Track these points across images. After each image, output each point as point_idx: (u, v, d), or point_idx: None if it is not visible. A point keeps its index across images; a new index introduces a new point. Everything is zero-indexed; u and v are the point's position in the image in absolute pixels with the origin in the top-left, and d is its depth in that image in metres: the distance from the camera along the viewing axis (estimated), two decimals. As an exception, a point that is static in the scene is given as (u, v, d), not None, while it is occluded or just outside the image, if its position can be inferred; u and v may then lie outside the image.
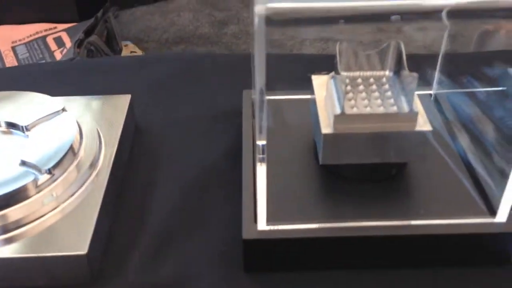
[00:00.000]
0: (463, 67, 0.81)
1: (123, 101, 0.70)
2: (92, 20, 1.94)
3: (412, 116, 0.58)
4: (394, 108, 0.59)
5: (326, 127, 0.59)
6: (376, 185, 0.62)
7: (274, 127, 0.68)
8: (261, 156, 0.50)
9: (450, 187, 0.61)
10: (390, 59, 0.62)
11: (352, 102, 0.59)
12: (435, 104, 0.73)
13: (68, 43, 1.91)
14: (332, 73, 0.62)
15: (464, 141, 0.66)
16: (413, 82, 0.58)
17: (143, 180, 0.66)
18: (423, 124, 0.59)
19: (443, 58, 0.71)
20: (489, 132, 0.70)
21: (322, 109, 0.61)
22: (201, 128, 0.74)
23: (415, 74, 0.57)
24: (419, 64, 0.74)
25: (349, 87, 0.61)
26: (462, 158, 0.64)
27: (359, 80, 0.62)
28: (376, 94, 0.60)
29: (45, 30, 1.97)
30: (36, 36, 1.95)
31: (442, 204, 0.59)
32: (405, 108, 0.59)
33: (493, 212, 0.55)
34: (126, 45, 2.03)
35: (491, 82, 0.81)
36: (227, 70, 0.83)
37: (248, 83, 0.83)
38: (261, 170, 0.50)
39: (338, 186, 0.61)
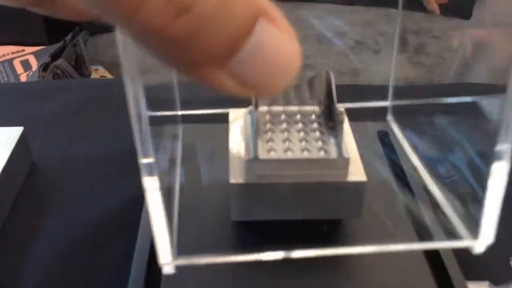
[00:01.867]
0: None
1: (13, 134, 0.57)
2: (60, 44, 1.81)
3: (342, 162, 0.45)
4: (321, 153, 0.45)
5: (236, 175, 0.45)
6: (305, 244, 0.48)
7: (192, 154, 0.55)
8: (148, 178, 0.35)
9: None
10: (320, 92, 0.49)
11: (270, 144, 0.46)
12: (383, 137, 0.60)
13: (35, 66, 1.79)
14: (250, 107, 0.49)
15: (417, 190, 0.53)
16: (342, 120, 0.44)
17: (24, 230, 0.52)
18: (355, 173, 0.45)
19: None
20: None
21: (235, 152, 0.48)
22: (111, 167, 0.60)
23: (341, 110, 0.44)
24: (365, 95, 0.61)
25: (268, 125, 0.48)
26: (411, 212, 0.51)
27: (282, 117, 0.49)
28: (301, 134, 0.47)
29: (12, 53, 1.84)
30: (3, 58, 1.82)
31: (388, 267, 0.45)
32: (334, 153, 0.45)
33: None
34: (96, 70, 1.90)
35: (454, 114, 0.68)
36: None
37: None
38: (153, 199, 0.36)
39: (255, 244, 0.48)
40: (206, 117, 0.60)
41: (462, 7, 2.27)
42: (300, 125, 0.48)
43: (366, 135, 0.58)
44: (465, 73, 1.08)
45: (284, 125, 0.48)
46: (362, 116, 0.68)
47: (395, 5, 0.63)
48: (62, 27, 1.85)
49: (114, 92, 0.71)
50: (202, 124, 0.59)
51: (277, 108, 0.50)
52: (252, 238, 0.48)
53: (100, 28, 2.17)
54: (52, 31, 1.82)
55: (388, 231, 0.48)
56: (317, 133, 0.47)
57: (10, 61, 1.79)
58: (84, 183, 0.57)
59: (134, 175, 0.59)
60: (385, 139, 0.60)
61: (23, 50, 1.83)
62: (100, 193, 0.56)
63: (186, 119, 0.60)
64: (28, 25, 1.84)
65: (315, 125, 0.48)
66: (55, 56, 1.73)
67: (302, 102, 0.50)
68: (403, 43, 0.65)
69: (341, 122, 0.44)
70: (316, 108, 0.50)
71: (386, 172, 0.54)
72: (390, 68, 0.65)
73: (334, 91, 0.47)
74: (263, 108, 0.49)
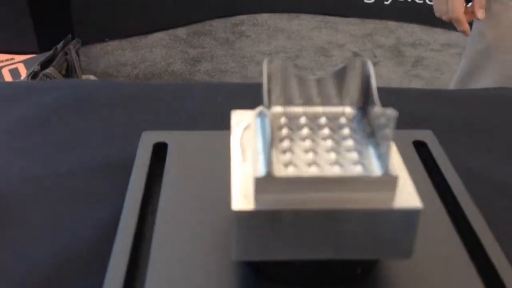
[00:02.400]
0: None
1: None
2: (51, 52, 1.67)
3: (388, 182, 0.31)
4: (358, 169, 0.31)
5: (242, 199, 0.31)
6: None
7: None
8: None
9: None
10: (352, 88, 0.35)
11: (288, 156, 0.32)
12: (420, 149, 0.46)
13: (24, 75, 1.65)
14: (261, 107, 0.35)
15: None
16: (389, 125, 0.30)
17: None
18: (407, 197, 0.31)
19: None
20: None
21: (239, 168, 0.34)
22: (78, 186, 0.46)
23: (392, 112, 0.30)
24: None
25: (285, 131, 0.34)
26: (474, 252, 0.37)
27: (302, 120, 0.35)
28: (329, 143, 0.33)
29: (1, 61, 1.70)
30: (-8, 67, 1.68)
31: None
32: (376, 169, 0.31)
33: None
34: (88, 78, 1.76)
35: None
36: (129, 103, 0.55)
37: (155, 121, 0.55)
38: None
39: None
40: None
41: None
42: (327, 131, 0.34)
43: (400, 146, 0.44)
44: (469, 81, 0.96)
45: (305, 131, 0.34)
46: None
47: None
48: (53, 35, 1.71)
49: (93, 97, 0.57)
50: (195, 131, 0.45)
51: (295, 109, 0.36)
52: (260, 285, 0.34)
53: (93, 38, 2.04)
54: (43, 39, 1.68)
55: (444, 279, 0.34)
56: (351, 142, 0.33)
57: (-1, 69, 1.65)
58: (51, 207, 0.43)
59: (109, 195, 0.45)
60: (424, 151, 0.46)
61: (12, 59, 1.70)
62: (68, 221, 0.42)
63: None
64: (18, 33, 1.70)
65: (346, 130, 0.34)
66: (45, 65, 1.59)
67: (327, 101, 0.36)
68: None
69: (387, 127, 0.31)
70: (346, 109, 0.36)
71: (432, 195, 0.40)
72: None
73: (374, 85, 0.33)
74: (276, 109, 0.35)
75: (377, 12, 2.33)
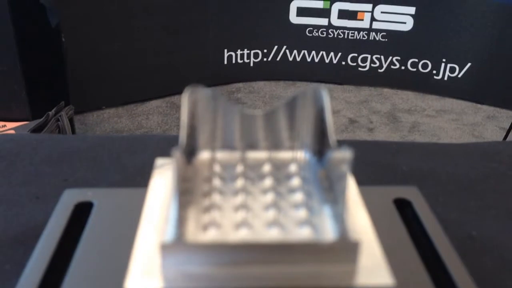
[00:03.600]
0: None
1: None
2: (42, 119, 1.62)
3: (346, 250, 0.21)
4: (305, 232, 0.22)
5: (140, 276, 0.21)
6: None
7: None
8: None
9: None
10: (304, 126, 0.27)
11: (212, 215, 0.23)
12: (403, 208, 0.36)
13: (14, 142, 1.56)
14: (176, 156, 0.26)
15: None
16: (344, 171, 0.21)
17: None
18: (373, 271, 0.22)
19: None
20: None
21: (148, 231, 0.24)
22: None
23: (346, 153, 0.21)
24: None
25: (214, 183, 0.25)
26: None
27: (239, 169, 0.26)
28: (270, 198, 0.24)
29: (-7, 128, 1.64)
30: (-18, 134, 1.61)
31: None
32: (330, 231, 0.22)
33: None
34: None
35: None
36: (55, 159, 0.46)
37: (81, 179, 0.46)
38: None
39: None
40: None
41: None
42: (269, 182, 0.25)
43: (378, 205, 0.35)
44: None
45: (240, 182, 0.25)
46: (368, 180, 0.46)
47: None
48: (46, 102, 1.66)
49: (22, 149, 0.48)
50: (130, 189, 0.35)
51: (231, 155, 0.27)
52: None
53: (89, 106, 1.99)
54: (36, 106, 1.63)
55: None
56: (300, 195, 0.24)
57: (-11, 136, 1.58)
58: None
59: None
60: (407, 210, 0.36)
61: (4, 126, 1.64)
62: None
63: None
64: (11, 100, 1.65)
65: (296, 181, 0.25)
66: (35, 131, 1.53)
67: (275, 144, 0.27)
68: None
69: (343, 176, 0.22)
70: (299, 154, 0.27)
71: (417, 266, 0.30)
72: None
73: (329, 122, 0.24)
74: (205, 155, 0.26)
75: (372, 80, 2.29)
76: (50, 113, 1.63)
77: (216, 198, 0.23)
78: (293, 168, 0.26)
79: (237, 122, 0.26)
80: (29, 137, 0.49)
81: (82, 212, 0.35)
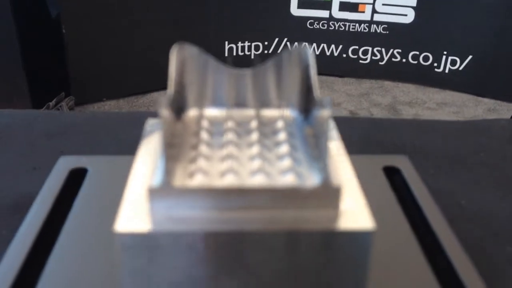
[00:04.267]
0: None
1: None
2: (43, 109, 1.63)
3: (328, 195, 0.22)
4: (288, 179, 0.23)
5: (129, 219, 0.22)
6: None
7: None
8: None
9: None
10: (291, 85, 0.27)
11: (199, 164, 0.23)
12: (391, 175, 0.37)
13: (15, 132, 1.57)
14: (162, 110, 0.27)
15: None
16: (325, 119, 0.22)
17: None
18: (354, 216, 0.22)
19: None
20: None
21: (138, 182, 0.25)
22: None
23: (326, 99, 0.22)
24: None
25: (202, 137, 0.26)
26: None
27: (228, 125, 0.27)
28: (256, 150, 0.25)
29: (-6, 118, 1.64)
30: (-17, 124, 1.62)
31: None
32: (313, 179, 0.23)
33: None
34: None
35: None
36: (51, 134, 0.47)
37: (77, 148, 0.46)
38: None
39: None
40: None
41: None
42: (255, 136, 0.26)
43: (367, 171, 0.36)
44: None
45: (228, 136, 0.26)
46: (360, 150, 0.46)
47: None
48: (47, 93, 1.67)
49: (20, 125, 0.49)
50: (121, 156, 0.36)
51: (220, 112, 0.28)
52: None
53: (90, 97, 2.00)
54: (37, 98, 1.64)
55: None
56: (285, 147, 0.25)
57: (-10, 125, 1.59)
58: None
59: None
60: (396, 177, 0.37)
61: (5, 115, 1.64)
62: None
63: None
64: (12, 90, 1.66)
65: (282, 135, 0.26)
66: (36, 121, 1.54)
67: (263, 102, 0.28)
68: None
69: (325, 130, 0.22)
70: (286, 111, 0.28)
71: (400, 220, 0.31)
72: None
73: (314, 79, 0.25)
74: (194, 112, 0.27)
75: (373, 72, 2.29)
76: (50, 103, 1.64)
77: (203, 149, 0.24)
78: (279, 124, 0.27)
79: (225, 80, 0.27)
80: (26, 113, 0.50)
81: (77, 178, 0.36)
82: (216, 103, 0.27)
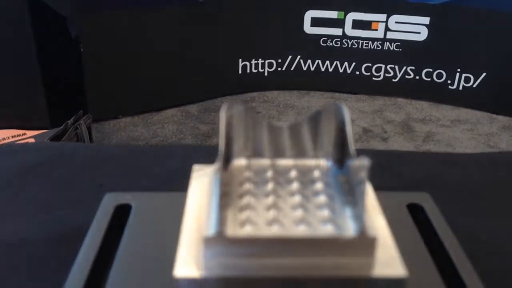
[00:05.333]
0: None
1: None
2: (61, 127, 1.67)
3: (365, 245, 0.25)
4: (328, 229, 0.26)
5: (187, 265, 0.25)
6: None
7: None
8: None
9: None
10: (327, 138, 0.30)
11: (247, 214, 0.27)
12: (415, 213, 0.40)
13: (34, 150, 1.62)
14: (217, 163, 0.30)
15: None
16: (362, 176, 0.25)
17: None
18: (388, 264, 0.25)
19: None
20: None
21: (191, 227, 0.28)
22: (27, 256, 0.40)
23: (364, 161, 0.25)
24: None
25: (247, 186, 0.29)
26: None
27: (269, 174, 0.30)
28: (297, 199, 0.28)
29: (13, 137, 1.70)
30: (3, 142, 1.67)
31: None
32: (351, 228, 0.26)
33: None
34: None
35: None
36: (90, 167, 0.50)
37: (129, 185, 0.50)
38: None
39: None
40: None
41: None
42: (296, 185, 0.29)
43: (392, 209, 0.38)
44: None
45: (270, 186, 0.29)
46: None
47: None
48: (65, 111, 1.72)
49: (62, 157, 0.52)
50: (162, 193, 0.39)
51: (262, 161, 0.31)
52: None
53: (106, 115, 2.05)
54: (55, 115, 1.69)
55: None
56: (323, 197, 0.28)
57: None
58: None
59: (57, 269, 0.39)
60: (420, 215, 0.40)
61: (24, 134, 1.69)
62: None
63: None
64: (32, 109, 1.71)
65: (319, 185, 0.29)
66: (54, 140, 1.58)
67: (299, 153, 0.31)
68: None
69: (362, 181, 0.25)
70: (321, 162, 0.31)
71: (427, 263, 0.34)
72: None
73: (349, 134, 0.28)
74: (240, 162, 0.30)
75: (386, 89, 2.32)
76: (69, 122, 1.69)
77: (250, 199, 0.27)
78: (316, 174, 0.30)
79: (266, 133, 0.30)
80: (62, 145, 0.53)
81: (123, 213, 0.39)
82: (259, 153, 0.30)
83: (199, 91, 2.18)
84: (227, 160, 0.28)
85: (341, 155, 0.29)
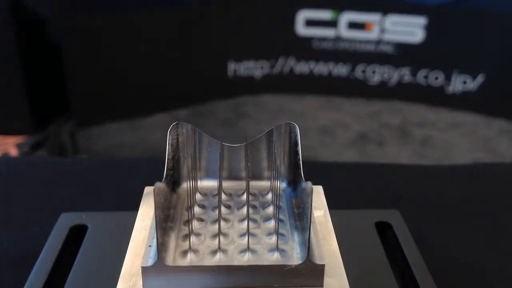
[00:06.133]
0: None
1: None
2: (43, 133, 1.67)
3: (312, 272, 0.25)
4: (274, 257, 0.25)
5: (126, 296, 0.25)
6: None
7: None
8: None
9: None
10: (280, 158, 0.30)
11: (192, 241, 0.26)
12: (384, 231, 0.39)
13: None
14: (158, 183, 0.29)
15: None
16: (307, 201, 0.25)
17: None
18: (335, 293, 0.25)
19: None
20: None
21: (133, 253, 0.28)
22: None
23: (308, 186, 0.24)
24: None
25: (195, 211, 0.28)
26: None
27: (218, 198, 0.29)
28: (246, 226, 0.27)
29: (-6, 143, 1.69)
30: (-17, 148, 1.67)
31: None
32: (297, 256, 0.25)
33: None
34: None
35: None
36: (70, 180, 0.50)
37: (77, 202, 0.49)
38: None
39: None
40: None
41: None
42: (246, 210, 0.28)
43: (360, 227, 0.38)
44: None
45: (219, 210, 0.28)
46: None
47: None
48: (49, 115, 1.72)
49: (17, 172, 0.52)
50: (120, 212, 0.39)
51: (213, 184, 0.30)
52: None
53: (92, 120, 2.04)
54: (38, 120, 1.68)
55: None
56: (273, 223, 0.27)
57: (-10, 151, 1.64)
58: None
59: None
60: (388, 233, 0.39)
61: (4, 141, 1.69)
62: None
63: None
64: (13, 113, 1.70)
65: (271, 209, 0.29)
66: (37, 146, 1.58)
67: (253, 174, 0.31)
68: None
69: (308, 207, 0.25)
70: (276, 183, 0.30)
71: (390, 284, 0.33)
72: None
73: (299, 155, 0.28)
74: (186, 184, 0.30)
75: (382, 93, 2.32)
76: (50, 128, 1.68)
77: (195, 225, 0.27)
78: (269, 196, 0.29)
79: (217, 154, 0.30)
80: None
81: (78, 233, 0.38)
82: (210, 175, 0.30)
83: (188, 95, 2.17)
84: (175, 182, 0.28)
85: (294, 176, 0.29)
